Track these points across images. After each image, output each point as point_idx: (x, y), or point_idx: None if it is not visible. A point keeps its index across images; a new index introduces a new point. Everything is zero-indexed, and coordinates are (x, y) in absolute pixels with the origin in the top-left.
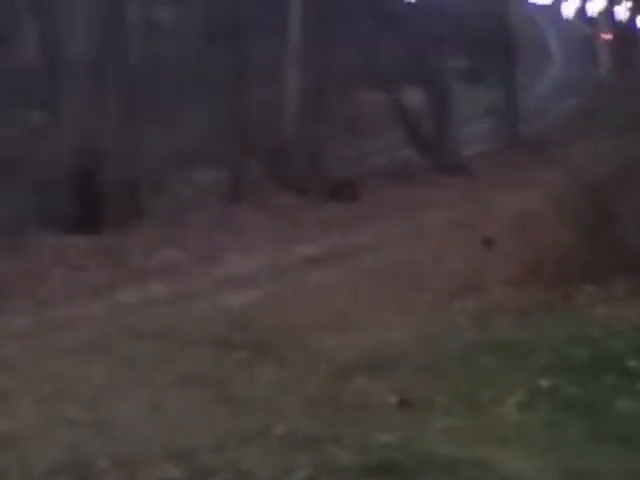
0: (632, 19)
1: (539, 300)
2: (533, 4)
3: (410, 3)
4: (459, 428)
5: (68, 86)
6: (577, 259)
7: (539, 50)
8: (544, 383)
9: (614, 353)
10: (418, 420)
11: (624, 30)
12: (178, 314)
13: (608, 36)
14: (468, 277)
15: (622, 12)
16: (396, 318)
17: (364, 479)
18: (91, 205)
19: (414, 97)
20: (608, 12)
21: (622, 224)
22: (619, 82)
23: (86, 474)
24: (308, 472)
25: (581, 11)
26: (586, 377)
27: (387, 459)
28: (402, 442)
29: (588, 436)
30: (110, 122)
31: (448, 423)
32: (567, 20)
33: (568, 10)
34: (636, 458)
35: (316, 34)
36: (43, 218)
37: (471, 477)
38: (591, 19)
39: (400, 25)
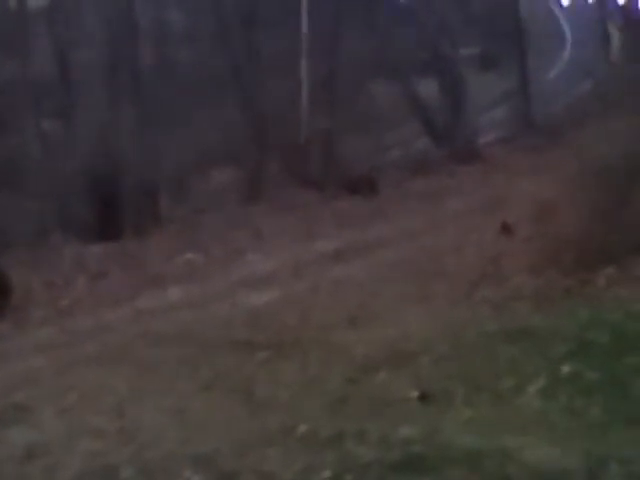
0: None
1: (558, 286)
2: None
3: None
4: (481, 418)
5: (82, 93)
6: (594, 243)
7: (551, 34)
8: (565, 369)
9: (634, 336)
10: (440, 412)
11: (627, 13)
12: (199, 317)
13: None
14: (487, 265)
15: None
16: (417, 310)
17: (389, 475)
18: (109, 212)
19: (427, 87)
20: None
21: (638, 206)
22: (630, 65)
23: None
24: (331, 471)
25: None
26: (607, 361)
27: (410, 453)
28: (424, 435)
29: (610, 421)
30: (125, 127)
31: (470, 414)
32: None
33: None
34: None
35: (328, 27)
36: (63, 227)
37: (494, 467)
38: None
39: (411, 14)
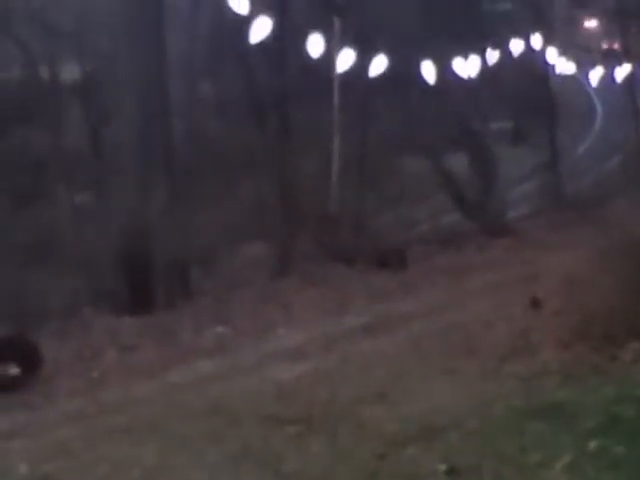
0: None
1: (586, 361)
2: None
3: None
4: None
5: (114, 166)
6: (622, 318)
7: (581, 109)
8: (592, 444)
9: None
10: None
11: None
12: (228, 391)
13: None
14: (516, 340)
15: None
16: (445, 385)
17: None
18: (141, 285)
19: (458, 161)
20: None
21: None
22: None
23: None
24: None
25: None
26: (634, 437)
27: None
28: None
29: None
30: (157, 201)
31: None
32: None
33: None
34: None
35: (359, 102)
36: (94, 300)
37: None
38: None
39: (441, 89)
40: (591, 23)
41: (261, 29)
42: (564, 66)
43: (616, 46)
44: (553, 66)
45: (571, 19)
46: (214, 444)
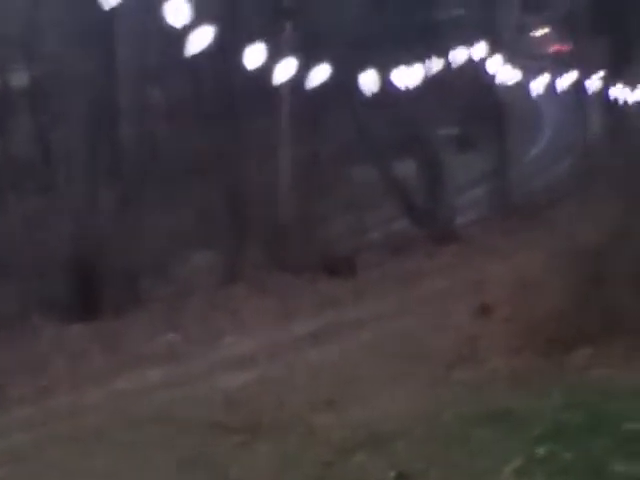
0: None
1: (535, 367)
2: None
3: None
4: None
5: (63, 174)
6: (572, 324)
7: (529, 115)
8: (540, 450)
9: (610, 416)
10: None
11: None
12: (177, 398)
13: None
14: (465, 346)
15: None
16: (394, 392)
17: None
18: (89, 292)
19: (406, 168)
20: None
21: (615, 287)
22: (609, 144)
23: None
24: None
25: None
26: (582, 442)
27: None
28: None
29: None
30: (106, 208)
31: None
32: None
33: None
34: None
35: (308, 112)
36: (43, 307)
37: None
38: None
39: (390, 96)
40: (541, 30)
41: (202, 38)
42: (510, 74)
43: (564, 53)
44: (500, 73)
45: (521, 26)
46: (162, 451)
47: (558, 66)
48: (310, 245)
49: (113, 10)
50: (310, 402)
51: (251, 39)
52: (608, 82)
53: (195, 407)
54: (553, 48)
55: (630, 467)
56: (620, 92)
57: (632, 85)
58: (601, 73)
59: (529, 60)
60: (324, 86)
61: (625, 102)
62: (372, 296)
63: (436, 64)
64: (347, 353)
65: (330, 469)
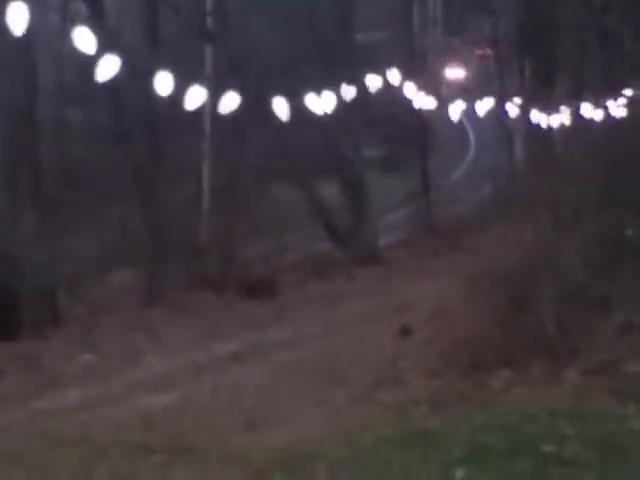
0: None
1: (455, 389)
2: None
3: None
4: None
5: None
6: (492, 346)
7: (454, 138)
8: (459, 473)
9: (529, 438)
10: None
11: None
12: (95, 419)
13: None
14: (386, 368)
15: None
16: (314, 414)
17: None
18: (7, 312)
19: (329, 189)
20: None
21: (536, 309)
22: (532, 170)
23: None
24: None
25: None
26: (501, 464)
27: None
28: None
29: None
30: (24, 227)
31: None
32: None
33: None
34: None
35: (230, 131)
36: None
37: None
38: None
39: (313, 117)
40: (463, 53)
41: (110, 64)
42: (425, 100)
43: (486, 76)
44: (419, 97)
45: (441, 50)
46: (79, 473)
47: (480, 89)
48: (230, 266)
49: (34, 29)
50: (229, 424)
51: (170, 63)
52: (530, 106)
53: (114, 428)
54: (475, 71)
55: None
56: (542, 116)
57: (554, 109)
58: (523, 96)
59: (450, 83)
60: (244, 108)
61: (548, 126)
62: (293, 317)
63: (356, 87)
64: (268, 374)
65: None
